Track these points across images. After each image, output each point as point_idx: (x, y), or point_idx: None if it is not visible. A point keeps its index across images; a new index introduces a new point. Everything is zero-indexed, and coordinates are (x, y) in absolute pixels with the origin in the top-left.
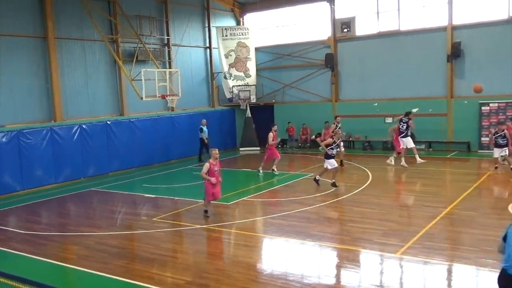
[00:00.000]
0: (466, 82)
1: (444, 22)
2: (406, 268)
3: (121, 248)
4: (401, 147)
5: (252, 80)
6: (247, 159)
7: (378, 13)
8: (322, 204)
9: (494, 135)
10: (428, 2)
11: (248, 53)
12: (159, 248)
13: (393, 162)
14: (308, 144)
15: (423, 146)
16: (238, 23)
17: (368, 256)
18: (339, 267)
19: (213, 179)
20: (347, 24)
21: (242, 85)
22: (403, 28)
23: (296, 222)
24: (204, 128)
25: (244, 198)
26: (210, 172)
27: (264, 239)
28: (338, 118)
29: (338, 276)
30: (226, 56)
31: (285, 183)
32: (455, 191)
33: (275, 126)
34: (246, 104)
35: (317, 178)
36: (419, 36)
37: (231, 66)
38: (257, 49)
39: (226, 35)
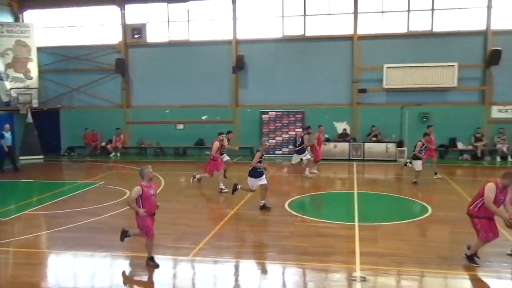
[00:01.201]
0: (249, 92)
1: (229, 36)
2: (198, 269)
3: None
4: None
5: (33, 82)
6: (29, 168)
7: (168, 22)
8: (113, 213)
9: (421, 147)
10: (215, 16)
11: (28, 53)
12: None
13: (315, 171)
14: (98, 152)
15: None
16: (16, 19)
17: (161, 262)
18: (132, 275)
19: (141, 211)
20: (139, 30)
21: (21, 88)
22: (193, 38)
23: (85, 234)
24: (7, 135)
25: (25, 212)
26: (144, 198)
27: (49, 255)
28: (231, 134)
29: (131, 285)
30: (2, 55)
31: (73, 193)
32: (240, 193)
33: (222, 136)
34: (27, 109)
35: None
36: (207, 47)
37: (8, 66)
38: (39, 49)
39: (2, 32)
